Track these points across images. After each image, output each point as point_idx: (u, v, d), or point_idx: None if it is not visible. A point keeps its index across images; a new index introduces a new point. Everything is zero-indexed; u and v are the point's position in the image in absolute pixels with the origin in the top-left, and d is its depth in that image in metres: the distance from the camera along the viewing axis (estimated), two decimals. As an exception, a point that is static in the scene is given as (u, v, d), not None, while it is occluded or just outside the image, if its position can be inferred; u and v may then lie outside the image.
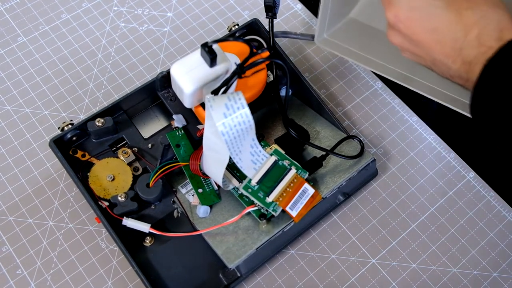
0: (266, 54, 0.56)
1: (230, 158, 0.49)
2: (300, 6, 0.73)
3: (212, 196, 0.56)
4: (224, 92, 0.48)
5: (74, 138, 0.57)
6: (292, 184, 0.54)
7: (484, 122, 0.41)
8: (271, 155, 0.54)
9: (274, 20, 0.60)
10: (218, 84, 0.49)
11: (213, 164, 0.52)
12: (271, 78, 0.60)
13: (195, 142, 0.57)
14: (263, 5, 0.59)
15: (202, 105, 0.54)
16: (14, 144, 0.62)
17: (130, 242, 0.54)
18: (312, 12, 0.73)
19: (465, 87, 0.44)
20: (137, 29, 0.71)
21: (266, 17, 0.59)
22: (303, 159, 0.58)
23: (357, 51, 0.60)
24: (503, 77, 0.38)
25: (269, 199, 0.52)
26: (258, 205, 0.53)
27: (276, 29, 0.70)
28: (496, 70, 0.39)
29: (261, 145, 0.53)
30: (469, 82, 0.42)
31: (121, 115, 0.60)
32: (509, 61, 0.38)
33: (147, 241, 0.55)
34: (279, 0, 0.60)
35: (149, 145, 0.58)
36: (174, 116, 0.58)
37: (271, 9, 0.58)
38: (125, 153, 0.57)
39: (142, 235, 0.54)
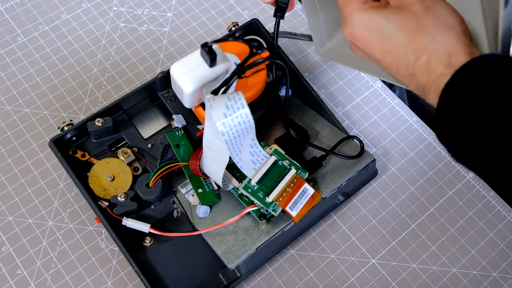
0: (266, 54, 0.56)
1: (230, 158, 0.49)
2: (300, 6, 0.73)
3: (212, 196, 0.56)
4: (224, 92, 0.48)
5: (74, 138, 0.57)
6: (292, 184, 0.54)
7: (451, 149, 0.40)
8: (271, 155, 0.54)
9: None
10: (218, 84, 0.49)
11: (213, 164, 0.52)
12: (271, 78, 0.60)
13: (195, 142, 0.57)
14: (276, 4, 0.56)
15: (202, 105, 0.54)
16: (14, 144, 0.62)
17: (130, 242, 0.54)
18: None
19: None
20: (137, 29, 0.71)
21: (274, 16, 0.57)
22: (303, 159, 0.58)
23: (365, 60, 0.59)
24: (458, 107, 0.38)
25: (269, 199, 0.52)
26: (258, 205, 0.53)
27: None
28: (450, 100, 0.39)
29: (261, 145, 0.53)
30: (427, 101, 0.42)
31: (121, 115, 0.60)
32: (460, 90, 0.38)
33: (147, 241, 0.55)
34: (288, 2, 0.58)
35: (149, 145, 0.58)
36: (174, 116, 0.58)
37: (282, 10, 0.57)
38: (125, 153, 0.57)
39: (142, 235, 0.54)
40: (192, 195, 0.56)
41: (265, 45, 0.62)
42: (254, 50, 0.49)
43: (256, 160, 0.53)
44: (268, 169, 0.53)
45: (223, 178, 0.53)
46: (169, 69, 0.52)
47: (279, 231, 0.54)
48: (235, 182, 0.55)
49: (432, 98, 0.40)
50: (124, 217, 0.54)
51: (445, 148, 0.41)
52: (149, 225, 0.54)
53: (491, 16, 0.50)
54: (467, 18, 0.43)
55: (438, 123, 0.40)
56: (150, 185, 0.55)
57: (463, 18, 0.42)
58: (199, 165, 0.55)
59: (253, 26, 0.62)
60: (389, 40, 0.42)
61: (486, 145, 0.36)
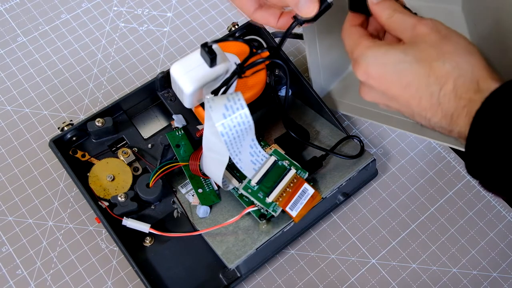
0: (266, 54, 0.56)
1: (230, 158, 0.49)
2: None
3: (212, 196, 0.56)
4: (224, 92, 0.48)
5: (74, 138, 0.57)
6: (292, 184, 0.54)
7: (483, 178, 0.39)
8: (271, 155, 0.54)
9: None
10: (218, 84, 0.49)
11: (213, 164, 0.52)
12: (272, 78, 0.60)
13: (195, 142, 0.57)
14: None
15: (202, 105, 0.54)
16: (14, 144, 0.62)
17: (130, 242, 0.54)
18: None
19: (449, 136, 0.42)
20: (137, 29, 0.71)
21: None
22: (303, 159, 0.58)
23: (363, 106, 0.59)
24: (495, 131, 0.36)
25: (269, 199, 0.52)
26: (258, 205, 0.53)
27: (275, 29, 0.70)
28: (484, 125, 0.37)
29: (260, 145, 0.53)
30: (453, 133, 0.41)
31: (121, 115, 0.60)
32: (496, 113, 0.37)
33: (147, 241, 0.55)
34: None
35: (149, 145, 0.58)
36: (174, 116, 0.58)
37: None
38: (125, 153, 0.57)
39: (142, 235, 0.54)
40: (192, 195, 0.56)
41: (265, 45, 0.62)
42: (254, 50, 0.49)
43: (255, 161, 0.53)
44: (268, 169, 0.53)
45: (223, 178, 0.53)
46: (169, 69, 0.52)
47: (279, 231, 0.54)
48: (235, 182, 0.55)
49: (462, 126, 0.39)
50: (124, 217, 0.54)
51: (476, 179, 0.39)
52: (149, 225, 0.54)
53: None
54: None
55: (470, 149, 0.38)
56: (150, 185, 0.55)
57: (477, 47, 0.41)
58: (199, 165, 0.55)
59: (253, 26, 0.62)
60: (409, 73, 0.41)
61: None
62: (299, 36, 0.65)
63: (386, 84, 0.42)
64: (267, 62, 0.55)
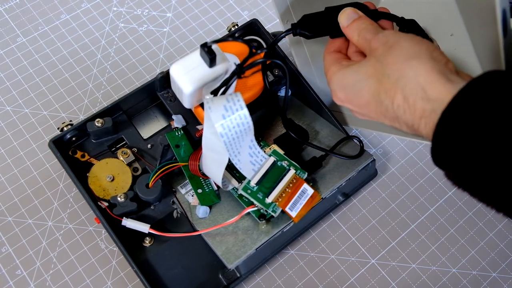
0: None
1: (229, 158, 0.49)
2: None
3: (211, 196, 0.56)
4: (224, 92, 0.48)
5: (73, 139, 0.57)
6: (291, 185, 0.54)
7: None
8: (270, 155, 0.54)
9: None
10: (218, 85, 0.49)
11: (213, 165, 0.52)
12: (271, 77, 0.60)
13: (195, 142, 0.57)
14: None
15: (202, 105, 0.54)
16: (13, 145, 0.62)
17: (130, 243, 0.54)
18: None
19: None
20: (136, 29, 0.71)
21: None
22: (302, 159, 0.58)
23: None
24: (454, 152, 0.36)
25: (269, 200, 0.52)
26: (258, 205, 0.53)
27: (275, 29, 0.70)
28: (445, 147, 0.36)
29: (260, 145, 0.53)
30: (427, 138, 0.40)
31: (121, 115, 0.60)
32: (455, 126, 0.35)
33: (147, 242, 0.55)
34: None
35: (149, 146, 0.58)
36: (173, 117, 0.58)
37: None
38: (124, 153, 0.57)
39: (141, 235, 0.54)
40: (192, 196, 0.56)
41: (264, 45, 0.62)
42: (254, 50, 0.49)
43: (255, 161, 0.53)
44: (267, 170, 0.53)
45: (222, 179, 0.53)
46: (168, 70, 0.52)
47: (278, 231, 0.54)
48: (234, 183, 0.55)
49: (425, 135, 0.39)
50: (124, 218, 0.54)
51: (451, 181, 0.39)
52: (149, 225, 0.54)
53: (484, 48, 0.50)
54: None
55: (437, 162, 0.38)
56: (149, 185, 0.55)
57: (432, 44, 0.40)
58: (199, 165, 0.55)
59: (253, 26, 0.62)
60: (364, 91, 0.41)
61: (492, 176, 0.34)
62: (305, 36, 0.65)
63: (354, 105, 0.43)
64: (267, 62, 0.55)
